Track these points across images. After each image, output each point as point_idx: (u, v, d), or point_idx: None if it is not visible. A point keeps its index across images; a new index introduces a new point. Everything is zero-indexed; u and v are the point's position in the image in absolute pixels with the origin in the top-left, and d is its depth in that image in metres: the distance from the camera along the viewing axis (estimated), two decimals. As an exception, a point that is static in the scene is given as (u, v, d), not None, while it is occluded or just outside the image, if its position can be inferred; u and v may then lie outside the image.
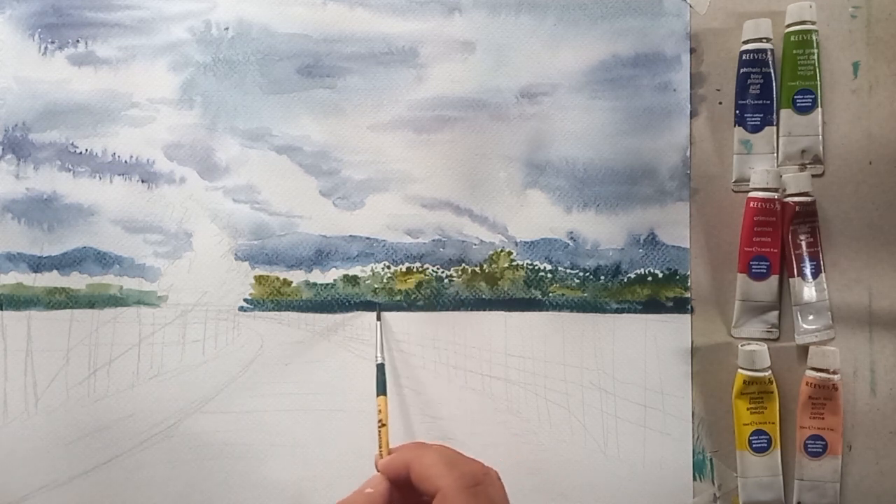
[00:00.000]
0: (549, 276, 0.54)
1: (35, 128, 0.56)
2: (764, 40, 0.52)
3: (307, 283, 0.55)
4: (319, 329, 0.55)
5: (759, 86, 0.52)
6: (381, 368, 0.51)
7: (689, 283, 0.54)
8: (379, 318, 0.54)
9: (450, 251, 0.55)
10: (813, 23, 0.51)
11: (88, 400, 0.55)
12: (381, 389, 0.50)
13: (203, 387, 0.55)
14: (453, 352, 0.55)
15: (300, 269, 0.55)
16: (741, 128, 0.53)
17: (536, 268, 0.54)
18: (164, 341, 0.55)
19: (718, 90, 0.53)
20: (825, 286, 0.52)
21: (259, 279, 0.55)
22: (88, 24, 0.56)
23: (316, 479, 0.55)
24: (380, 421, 0.47)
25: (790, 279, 0.52)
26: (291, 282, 0.55)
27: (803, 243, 0.52)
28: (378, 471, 0.44)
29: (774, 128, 0.52)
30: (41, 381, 0.55)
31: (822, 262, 0.52)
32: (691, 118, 0.53)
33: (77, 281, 0.56)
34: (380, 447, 0.47)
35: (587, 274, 0.54)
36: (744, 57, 0.52)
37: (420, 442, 0.49)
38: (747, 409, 0.52)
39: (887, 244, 0.52)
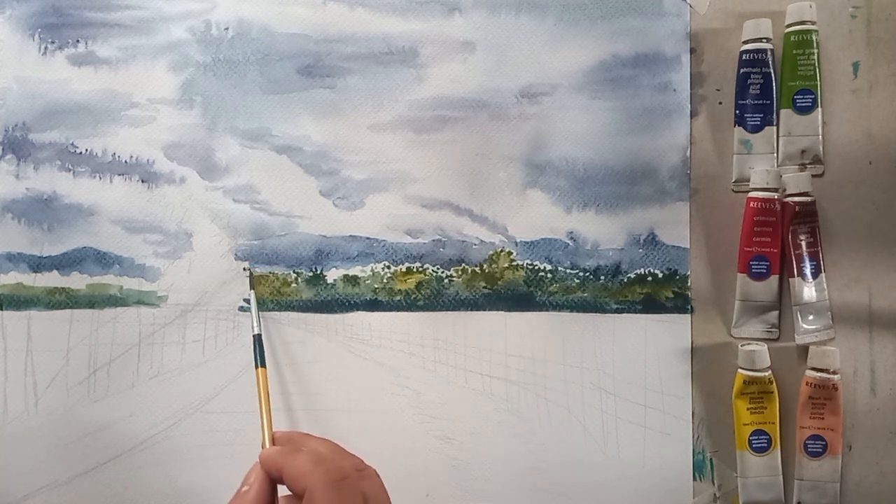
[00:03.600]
0: (549, 276, 0.54)
1: (35, 128, 0.56)
2: (764, 40, 0.52)
3: (307, 283, 0.55)
4: (319, 329, 0.55)
5: (759, 86, 0.52)
6: (258, 339, 0.49)
7: (689, 283, 0.54)
8: (252, 287, 0.53)
9: (450, 251, 0.55)
10: (813, 23, 0.51)
11: (88, 400, 0.55)
12: (261, 361, 0.48)
13: (203, 387, 0.55)
14: (453, 352, 0.55)
15: (300, 269, 0.55)
16: (741, 128, 0.53)
17: (536, 268, 0.54)
18: (164, 341, 0.55)
19: (718, 90, 0.53)
20: (825, 286, 0.52)
21: (259, 279, 0.55)
22: (88, 24, 0.56)
23: (316, 479, 0.55)
24: (259, 397, 0.45)
25: (790, 279, 0.52)
26: (291, 282, 0.55)
27: (803, 243, 0.52)
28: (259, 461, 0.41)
29: (774, 128, 0.52)
30: (41, 381, 0.55)
31: (822, 262, 0.52)
32: (691, 118, 0.53)
33: (77, 281, 0.56)
34: (262, 427, 0.44)
35: (587, 274, 0.54)
36: (744, 57, 0.52)
37: (302, 434, 0.46)
38: (747, 409, 0.52)
39: (887, 244, 0.52)
